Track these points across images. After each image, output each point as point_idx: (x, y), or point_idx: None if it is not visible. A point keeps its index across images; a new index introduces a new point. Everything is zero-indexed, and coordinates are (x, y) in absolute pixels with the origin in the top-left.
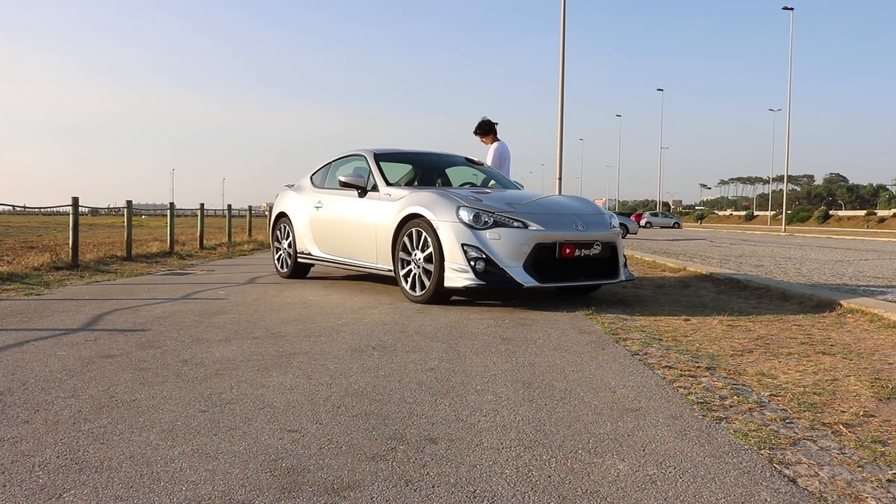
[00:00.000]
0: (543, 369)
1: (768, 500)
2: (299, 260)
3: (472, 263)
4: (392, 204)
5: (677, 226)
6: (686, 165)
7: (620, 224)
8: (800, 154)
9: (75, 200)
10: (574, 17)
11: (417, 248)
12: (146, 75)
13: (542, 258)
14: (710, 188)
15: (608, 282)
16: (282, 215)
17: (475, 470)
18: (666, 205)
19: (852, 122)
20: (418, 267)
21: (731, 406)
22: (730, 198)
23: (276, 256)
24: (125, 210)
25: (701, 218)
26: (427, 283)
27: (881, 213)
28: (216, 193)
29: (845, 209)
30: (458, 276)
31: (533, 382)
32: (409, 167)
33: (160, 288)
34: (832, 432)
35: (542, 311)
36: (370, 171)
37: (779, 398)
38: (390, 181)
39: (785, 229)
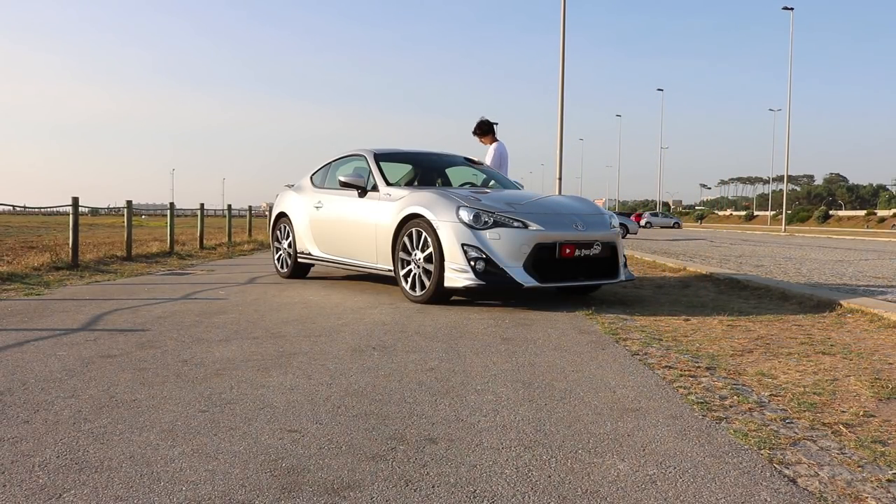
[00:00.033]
0: (543, 369)
1: (768, 500)
2: (299, 260)
3: (472, 263)
4: (392, 204)
5: (677, 226)
6: (686, 165)
7: (620, 224)
8: (800, 154)
9: (75, 200)
10: (574, 18)
11: (417, 248)
12: (146, 75)
13: (542, 258)
14: (710, 188)
15: (608, 282)
16: (282, 215)
17: (475, 470)
18: (666, 205)
19: (852, 122)
20: (418, 267)
21: (731, 406)
22: (730, 198)
23: (276, 256)
24: (125, 210)
25: (701, 218)
26: (427, 283)
27: (881, 213)
28: (216, 193)
29: (845, 209)
30: (458, 276)
31: (533, 382)
32: (409, 167)
33: (160, 288)
34: (832, 432)
35: (542, 311)
36: (370, 171)
37: (779, 398)
38: (390, 181)
39: (785, 229)
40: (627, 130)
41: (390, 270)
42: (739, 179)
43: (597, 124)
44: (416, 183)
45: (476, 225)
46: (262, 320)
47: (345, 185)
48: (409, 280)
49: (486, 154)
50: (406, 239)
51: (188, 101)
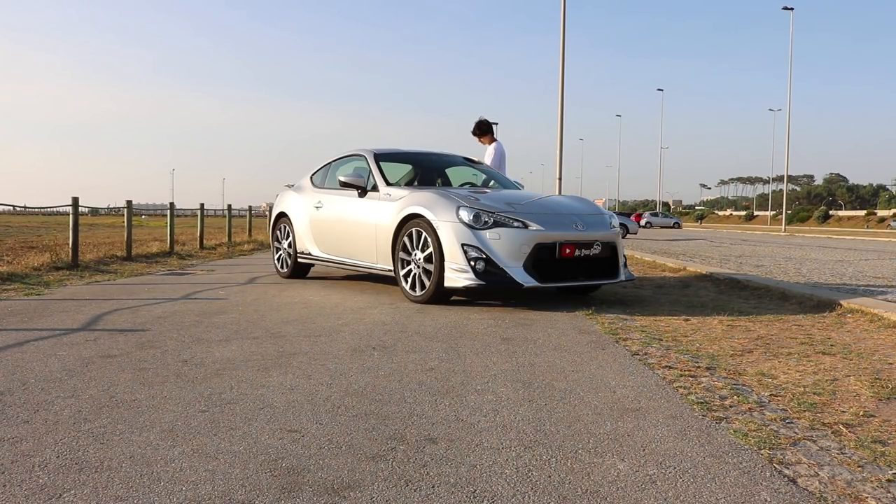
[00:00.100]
0: (543, 369)
1: (768, 500)
2: (299, 260)
3: (472, 263)
4: (392, 204)
5: (677, 226)
6: (686, 165)
7: (620, 224)
8: (800, 154)
9: (75, 200)
10: (574, 18)
11: (417, 248)
12: (146, 75)
13: (542, 258)
14: (710, 188)
15: (608, 282)
16: (282, 215)
17: (475, 470)
18: (666, 205)
19: (852, 122)
20: (418, 267)
21: (731, 406)
22: (730, 198)
23: (276, 256)
24: (125, 210)
25: (701, 218)
26: (427, 283)
27: (881, 213)
28: (216, 193)
29: (845, 209)
30: (458, 276)
31: (533, 382)
32: (409, 167)
33: (160, 288)
34: (832, 432)
35: (542, 311)
36: (370, 171)
37: (779, 398)
38: (390, 181)
39: (785, 229)
40: (627, 130)
41: (390, 270)
42: (739, 179)
43: (597, 124)
44: (416, 183)
45: (476, 225)
46: (262, 320)
47: (345, 185)
48: (409, 280)
49: (485, 154)
50: (406, 239)
51: (188, 101)
